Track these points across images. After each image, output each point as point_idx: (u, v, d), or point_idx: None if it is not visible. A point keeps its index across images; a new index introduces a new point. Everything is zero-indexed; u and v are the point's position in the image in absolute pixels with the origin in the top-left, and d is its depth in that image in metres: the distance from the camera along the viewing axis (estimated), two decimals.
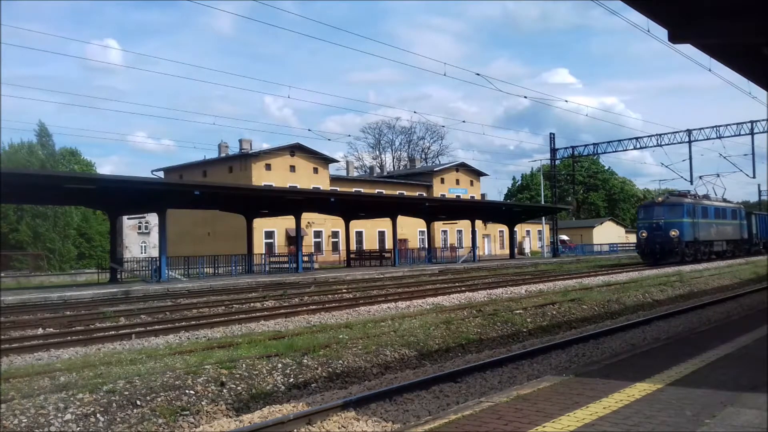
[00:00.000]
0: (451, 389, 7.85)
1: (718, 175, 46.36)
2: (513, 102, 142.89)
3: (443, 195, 61.09)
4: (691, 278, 22.82)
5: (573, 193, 54.86)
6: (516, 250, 55.07)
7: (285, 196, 34.56)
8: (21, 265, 47.19)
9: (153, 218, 54.80)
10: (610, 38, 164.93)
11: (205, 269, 33.53)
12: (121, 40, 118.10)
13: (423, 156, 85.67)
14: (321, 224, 52.10)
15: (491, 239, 68.26)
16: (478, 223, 50.61)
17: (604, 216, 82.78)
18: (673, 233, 33.31)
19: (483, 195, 70.84)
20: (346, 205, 38.58)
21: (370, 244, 55.81)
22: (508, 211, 50.32)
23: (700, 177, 43.00)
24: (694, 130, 40.92)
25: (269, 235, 49.60)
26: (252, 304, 18.27)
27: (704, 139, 40.61)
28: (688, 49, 10.63)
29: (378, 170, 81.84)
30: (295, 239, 39.72)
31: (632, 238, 57.09)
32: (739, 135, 39.41)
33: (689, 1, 8.43)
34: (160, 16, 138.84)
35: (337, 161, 61.84)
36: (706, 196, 39.39)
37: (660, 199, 35.84)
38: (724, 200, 41.83)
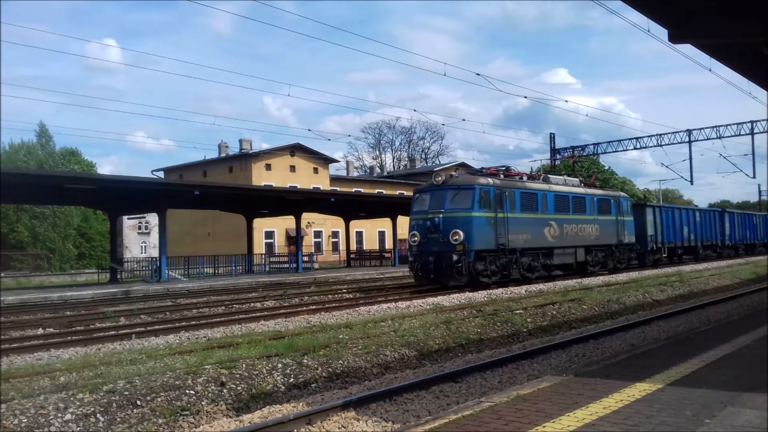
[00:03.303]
0: (451, 389, 7.85)
1: (591, 152, 38.83)
2: (512, 102, 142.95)
3: None
4: (691, 278, 22.83)
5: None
6: None
7: (285, 196, 34.56)
8: (21, 265, 47.19)
9: (153, 218, 54.82)
10: (610, 38, 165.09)
11: (205, 269, 33.56)
12: (121, 40, 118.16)
13: (423, 156, 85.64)
14: (321, 224, 52.11)
15: None
16: None
17: None
18: (454, 238, 18.86)
19: None
20: (346, 205, 38.55)
21: (370, 244, 55.81)
22: None
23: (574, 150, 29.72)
24: (694, 130, 40.86)
25: (269, 235, 49.63)
26: (252, 304, 18.27)
27: (704, 139, 40.52)
28: (688, 49, 10.64)
29: (378, 170, 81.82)
30: (295, 239, 39.75)
31: None
32: (739, 135, 39.31)
33: (689, 0, 8.42)
34: (159, 15, 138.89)
35: (337, 161, 61.90)
36: (544, 177, 24.98)
37: (439, 179, 20.18)
38: (586, 183, 27.70)
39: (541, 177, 24.65)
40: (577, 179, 27.41)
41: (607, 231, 26.27)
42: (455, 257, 18.73)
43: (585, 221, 24.71)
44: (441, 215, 19.34)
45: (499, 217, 20.06)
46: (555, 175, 26.77)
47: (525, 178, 23.25)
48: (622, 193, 29.83)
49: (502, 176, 21.78)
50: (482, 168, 23.32)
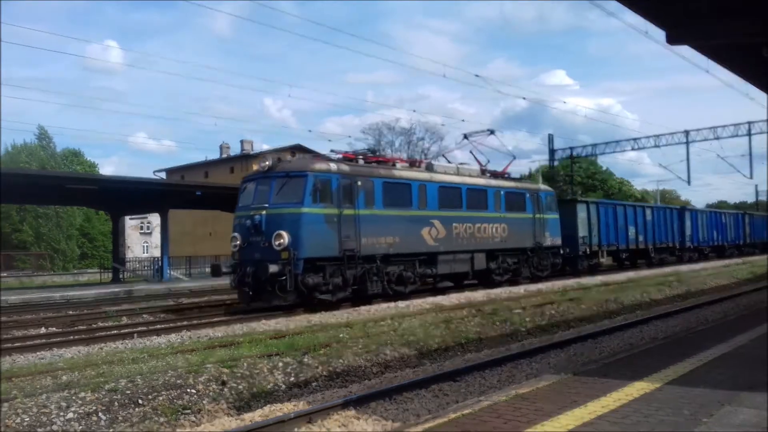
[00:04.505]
0: (451, 388, 7.89)
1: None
2: (510, 103, 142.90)
3: None
4: (689, 278, 22.84)
5: (571, 193, 54.63)
6: None
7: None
8: (24, 265, 47.27)
9: (155, 218, 54.81)
10: (608, 39, 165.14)
11: (207, 269, 33.57)
12: (121, 41, 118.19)
13: (423, 157, 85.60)
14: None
15: None
16: None
17: None
18: (277, 242, 14.32)
19: None
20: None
21: None
22: None
23: (466, 136, 23.19)
24: (692, 130, 40.80)
25: None
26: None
27: (702, 140, 40.46)
28: (685, 50, 10.68)
29: None
30: None
31: None
32: (737, 136, 39.27)
33: (687, 2, 8.45)
34: (159, 16, 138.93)
35: None
36: (427, 165, 20.02)
37: (266, 163, 15.64)
38: (491, 173, 21.99)
39: (423, 164, 19.82)
40: (477, 168, 21.81)
41: (519, 231, 21.41)
42: (275, 268, 13.99)
43: (486, 219, 20.00)
44: (264, 212, 14.71)
45: (347, 215, 15.27)
46: (446, 163, 21.38)
47: (399, 164, 18.40)
48: (543, 186, 24.78)
49: (361, 161, 17.16)
50: (333, 151, 17.55)
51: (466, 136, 23.13)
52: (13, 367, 8.80)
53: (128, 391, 7.18)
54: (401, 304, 15.70)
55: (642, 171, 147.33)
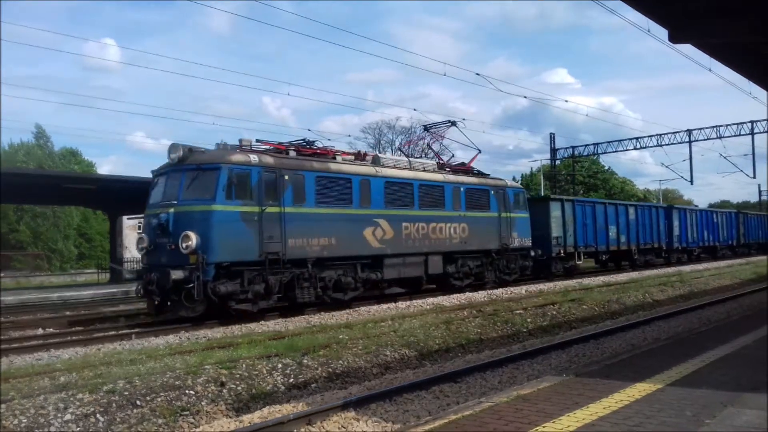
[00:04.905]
0: (451, 389, 7.86)
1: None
2: (512, 102, 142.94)
3: None
4: (691, 278, 22.82)
5: (573, 192, 54.57)
6: None
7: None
8: (21, 266, 47.25)
9: None
10: (609, 38, 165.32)
11: None
12: (119, 40, 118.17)
13: (423, 156, 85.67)
14: None
15: None
16: None
17: None
18: (185, 244, 12.69)
19: None
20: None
21: None
22: None
23: (426, 128, 21.89)
24: (694, 130, 40.81)
25: None
26: None
27: (704, 139, 40.49)
28: (688, 48, 10.65)
29: None
30: None
31: None
32: (740, 135, 39.33)
33: (689, 0, 8.42)
34: (157, 15, 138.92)
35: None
36: (374, 158, 17.72)
37: (176, 154, 13.74)
38: (451, 167, 20.53)
39: (370, 158, 17.63)
40: (433, 162, 20.22)
41: (482, 232, 19.76)
42: (180, 274, 12.38)
43: (443, 218, 18.35)
44: (171, 210, 13.11)
45: (270, 213, 13.66)
46: (398, 157, 19.45)
47: (340, 157, 16.40)
48: (511, 182, 22.78)
49: (293, 153, 15.29)
50: (259, 141, 15.39)
51: (426, 128, 21.89)
52: (11, 368, 8.76)
53: (126, 393, 7.15)
54: (401, 304, 15.69)
55: (644, 170, 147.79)
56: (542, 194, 41.36)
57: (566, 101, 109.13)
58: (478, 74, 32.98)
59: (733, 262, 33.98)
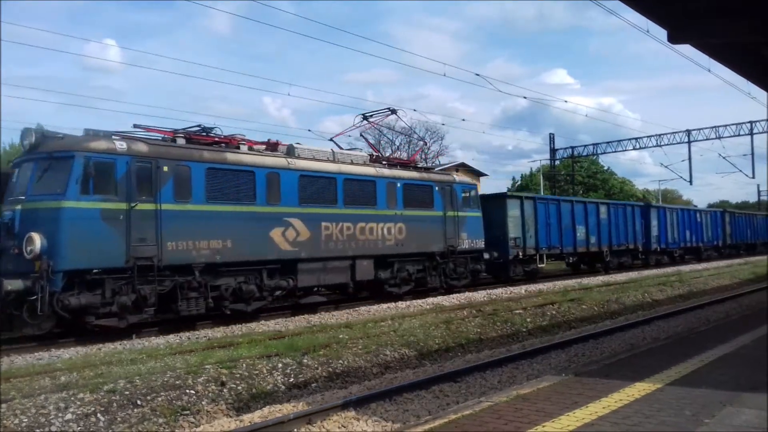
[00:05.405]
0: (451, 389, 7.88)
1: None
2: (511, 102, 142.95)
3: None
4: (690, 278, 22.84)
5: (572, 193, 54.58)
6: None
7: None
8: None
9: None
10: (609, 38, 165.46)
11: None
12: (119, 40, 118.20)
13: (423, 156, 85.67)
14: None
15: None
16: None
17: None
18: (28, 248, 10.60)
19: None
20: None
21: None
22: None
23: (365, 117, 19.87)
24: (694, 130, 40.81)
25: None
26: None
27: (704, 140, 40.51)
28: (687, 49, 10.67)
29: None
30: None
31: None
32: (739, 135, 39.36)
33: (688, 1, 8.44)
34: (158, 16, 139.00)
35: None
36: (288, 148, 15.44)
37: (29, 141, 11.57)
38: (387, 160, 18.98)
39: (284, 148, 15.38)
40: (365, 154, 18.11)
41: (424, 232, 17.70)
42: (17, 284, 10.48)
43: (374, 218, 16.27)
44: (18, 207, 11.20)
45: (141, 210, 11.69)
46: (320, 148, 16.75)
47: (245, 146, 14.34)
48: (459, 177, 20.93)
49: (183, 141, 13.23)
50: (137, 126, 13.09)
51: (365, 117, 19.70)
52: (11, 368, 8.77)
53: (127, 392, 7.16)
54: (401, 304, 15.70)
55: (644, 171, 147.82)
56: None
57: (566, 102, 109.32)
58: (477, 74, 33.09)
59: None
